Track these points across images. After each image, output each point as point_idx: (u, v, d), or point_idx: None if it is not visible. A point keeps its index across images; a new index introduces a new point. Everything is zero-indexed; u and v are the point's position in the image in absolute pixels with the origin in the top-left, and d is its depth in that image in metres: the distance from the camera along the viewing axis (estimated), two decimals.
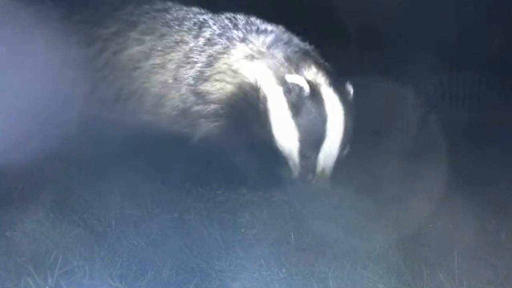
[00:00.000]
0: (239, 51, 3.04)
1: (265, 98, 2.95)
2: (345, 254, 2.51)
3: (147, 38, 3.19)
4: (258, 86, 2.96)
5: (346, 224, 2.80)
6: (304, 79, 2.86)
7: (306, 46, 3.17)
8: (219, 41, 3.08)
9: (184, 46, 3.13)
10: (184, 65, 3.10)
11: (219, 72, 3.03)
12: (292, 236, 2.67)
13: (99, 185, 3.05)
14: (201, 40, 3.11)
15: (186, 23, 3.21)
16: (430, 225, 2.83)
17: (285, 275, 2.38)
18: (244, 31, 3.12)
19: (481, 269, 2.46)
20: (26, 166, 2.95)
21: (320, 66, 3.01)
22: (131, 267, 2.35)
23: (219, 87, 3.02)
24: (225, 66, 3.03)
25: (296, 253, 2.56)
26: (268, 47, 3.04)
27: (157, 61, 3.13)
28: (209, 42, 3.10)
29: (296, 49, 3.06)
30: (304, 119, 2.84)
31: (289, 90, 2.86)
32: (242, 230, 2.79)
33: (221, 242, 2.63)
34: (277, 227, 2.79)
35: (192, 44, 3.12)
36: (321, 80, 2.94)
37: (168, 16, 3.26)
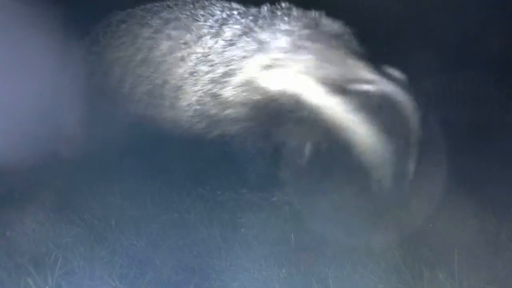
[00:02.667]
0: (267, 55, 2.83)
1: (318, 109, 2.72)
2: (345, 254, 2.51)
3: (174, 32, 3.12)
4: (298, 94, 2.74)
5: (346, 224, 2.80)
6: (365, 84, 2.64)
7: (347, 37, 2.91)
8: (241, 44, 2.90)
9: (204, 43, 3.01)
10: (202, 62, 2.98)
11: (243, 77, 2.85)
12: (292, 236, 2.67)
13: (99, 185, 3.05)
14: (221, 41, 2.96)
15: (210, 18, 3.09)
16: (430, 225, 2.83)
17: (285, 275, 2.38)
18: (271, 30, 2.89)
19: (481, 269, 2.46)
20: (26, 166, 2.95)
21: (366, 60, 2.79)
22: (131, 267, 2.35)
23: (242, 92, 2.85)
24: (251, 70, 2.84)
25: (296, 253, 2.56)
26: (304, 48, 2.80)
27: (180, 54, 3.05)
28: (230, 43, 2.93)
29: (338, 44, 2.82)
30: (384, 125, 2.63)
31: (356, 99, 2.64)
32: (242, 230, 2.79)
33: (221, 242, 2.63)
34: (277, 227, 2.79)
35: (212, 43, 2.98)
36: (374, 77, 2.72)
37: (198, 9, 3.16)
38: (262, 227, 2.80)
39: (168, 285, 2.28)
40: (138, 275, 2.30)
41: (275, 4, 3.03)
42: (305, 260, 2.49)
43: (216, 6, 3.17)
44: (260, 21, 2.96)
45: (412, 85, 2.79)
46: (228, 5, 3.17)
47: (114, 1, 3.51)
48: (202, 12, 3.14)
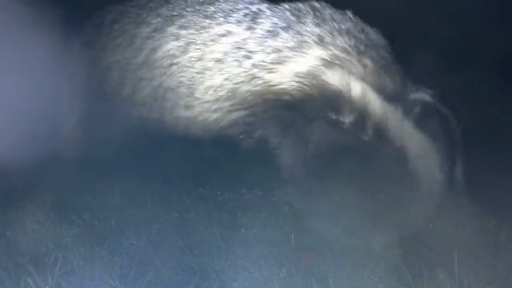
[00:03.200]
0: (317, 52, 2.75)
1: (371, 115, 2.70)
2: (345, 254, 2.51)
3: (184, 32, 3.02)
4: (351, 99, 2.68)
5: (346, 224, 2.80)
6: (427, 94, 2.68)
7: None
8: (287, 35, 2.79)
9: (231, 38, 2.89)
10: (231, 56, 2.86)
11: (291, 70, 2.76)
12: (292, 236, 2.67)
13: (99, 185, 3.05)
14: (259, 32, 2.84)
15: (234, 14, 2.96)
16: (430, 225, 2.82)
17: (285, 275, 2.38)
18: (317, 27, 2.80)
19: (481, 269, 2.46)
20: (26, 166, 2.95)
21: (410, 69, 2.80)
22: (131, 267, 2.35)
23: (292, 85, 2.76)
24: (300, 65, 2.75)
25: (296, 253, 2.56)
26: (355, 50, 2.74)
27: (195, 54, 2.96)
28: (271, 34, 2.82)
29: (386, 51, 2.79)
30: (437, 134, 2.70)
31: (410, 107, 2.68)
32: (242, 230, 2.79)
33: (221, 242, 2.63)
34: (277, 227, 2.79)
35: (245, 36, 2.86)
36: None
37: (211, 8, 3.03)
38: (262, 227, 2.80)
39: (168, 285, 2.28)
40: (138, 275, 2.30)
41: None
42: (305, 260, 2.49)
43: None
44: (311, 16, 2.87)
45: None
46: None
47: None
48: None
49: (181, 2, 3.14)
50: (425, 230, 2.78)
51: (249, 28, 2.88)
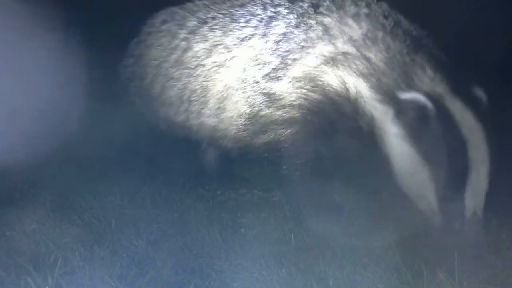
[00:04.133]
0: (322, 50, 2.58)
1: (369, 118, 2.43)
2: (345, 254, 2.51)
3: (211, 34, 3.00)
4: (354, 99, 2.47)
5: (346, 224, 2.80)
6: (422, 95, 2.24)
7: (417, 34, 2.54)
8: (296, 36, 2.67)
9: (251, 44, 2.82)
10: (250, 65, 2.79)
11: (297, 74, 2.63)
12: (292, 236, 2.67)
13: (99, 185, 3.05)
14: (272, 38, 2.74)
15: (253, 19, 2.89)
16: (430, 225, 2.82)
17: (285, 275, 2.38)
18: (329, 19, 2.63)
19: (481, 269, 2.46)
20: (26, 166, 2.95)
21: (437, 67, 2.36)
22: (131, 267, 2.35)
23: (297, 90, 2.62)
24: (305, 67, 2.61)
25: (296, 253, 2.56)
26: (363, 44, 2.49)
27: (219, 59, 2.91)
28: (284, 38, 2.71)
29: (403, 43, 2.45)
30: (435, 148, 2.21)
31: (403, 110, 2.28)
32: (242, 230, 2.79)
33: (221, 242, 2.63)
34: (277, 227, 2.79)
35: (260, 44, 2.77)
36: (442, 88, 2.31)
37: (239, 11, 2.98)
38: (262, 227, 2.80)
39: (168, 285, 2.27)
40: (138, 275, 2.30)
41: None
42: (305, 260, 2.49)
43: None
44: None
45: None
46: None
47: None
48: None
49: (218, 6, 3.14)
50: (425, 230, 2.78)
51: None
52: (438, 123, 2.23)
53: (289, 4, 2.86)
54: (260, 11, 2.90)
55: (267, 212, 2.98)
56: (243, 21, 2.92)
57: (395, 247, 2.58)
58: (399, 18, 2.63)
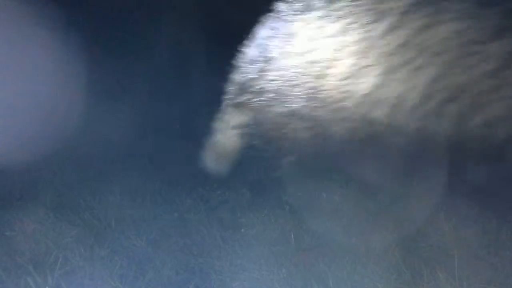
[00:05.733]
0: None
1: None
2: (345, 254, 2.51)
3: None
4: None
5: (346, 224, 2.80)
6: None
7: None
8: None
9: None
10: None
11: None
12: (292, 236, 2.67)
13: (99, 185, 3.05)
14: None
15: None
16: (430, 225, 2.82)
17: (285, 275, 2.38)
18: None
19: (481, 269, 2.46)
20: (26, 166, 2.95)
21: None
22: (131, 267, 2.35)
23: None
24: None
25: (296, 253, 2.56)
26: None
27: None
28: None
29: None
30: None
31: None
32: (242, 230, 2.79)
33: (221, 242, 2.63)
34: (277, 227, 2.79)
35: None
36: None
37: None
38: (262, 227, 2.80)
39: (168, 285, 2.27)
40: (138, 275, 2.30)
41: None
42: (305, 260, 2.49)
43: None
44: None
45: None
46: None
47: None
48: None
49: None
50: (425, 230, 2.78)
51: None
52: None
53: None
54: None
55: (267, 212, 2.98)
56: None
57: (395, 247, 2.58)
58: None
